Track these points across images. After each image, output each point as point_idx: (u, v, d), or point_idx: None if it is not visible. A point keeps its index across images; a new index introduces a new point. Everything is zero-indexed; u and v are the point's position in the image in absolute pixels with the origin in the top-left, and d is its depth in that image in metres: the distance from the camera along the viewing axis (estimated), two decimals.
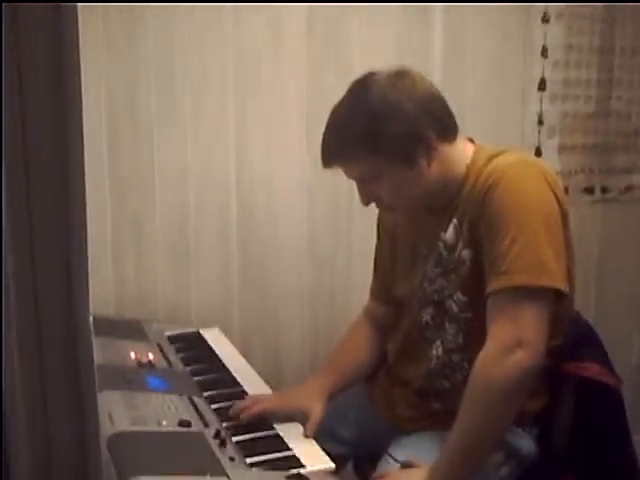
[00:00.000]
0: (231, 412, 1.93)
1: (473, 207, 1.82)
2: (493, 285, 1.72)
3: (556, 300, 1.75)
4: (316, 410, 1.99)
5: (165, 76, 2.55)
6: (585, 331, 2.10)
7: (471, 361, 1.76)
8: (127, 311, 2.60)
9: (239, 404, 1.96)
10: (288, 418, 1.97)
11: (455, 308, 1.91)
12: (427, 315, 1.99)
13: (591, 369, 1.98)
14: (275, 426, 1.92)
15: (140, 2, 2.47)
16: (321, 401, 2.04)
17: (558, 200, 1.79)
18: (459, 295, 1.89)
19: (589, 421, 1.98)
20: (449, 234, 1.89)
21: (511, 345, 1.67)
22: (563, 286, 1.73)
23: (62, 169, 1.11)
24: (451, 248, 1.89)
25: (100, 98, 2.46)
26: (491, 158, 1.87)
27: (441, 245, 1.92)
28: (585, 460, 1.99)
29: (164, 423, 1.77)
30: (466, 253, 1.85)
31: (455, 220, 1.88)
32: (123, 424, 1.72)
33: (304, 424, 1.95)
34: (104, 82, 2.46)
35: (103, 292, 2.57)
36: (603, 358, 2.04)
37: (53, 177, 1.11)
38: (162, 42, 2.52)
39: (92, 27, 2.38)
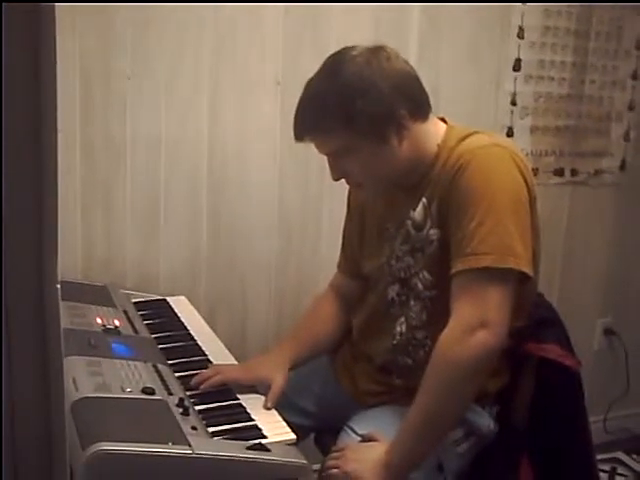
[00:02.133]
0: (193, 382, 1.94)
1: (442, 187, 1.84)
2: (458, 266, 1.74)
3: (520, 282, 1.77)
4: (277, 381, 2.01)
5: (140, 43, 2.53)
6: (548, 313, 2.12)
7: (434, 339, 1.78)
8: (94, 276, 2.59)
9: (201, 373, 1.98)
10: (251, 388, 1.99)
11: (420, 286, 1.93)
12: (393, 292, 2.01)
13: (552, 350, 2.01)
14: (238, 396, 1.94)
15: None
16: (283, 372, 2.06)
17: (527, 184, 1.80)
18: (425, 273, 1.91)
19: (548, 402, 2.01)
20: (417, 213, 1.91)
21: (474, 325, 1.70)
22: (528, 269, 1.75)
23: (34, 132, 1.10)
24: (419, 227, 1.91)
25: (74, 62, 2.44)
26: (462, 139, 1.88)
27: (409, 223, 1.93)
28: (542, 439, 2.02)
29: (128, 390, 1.77)
30: (433, 232, 1.87)
31: (424, 199, 1.89)
32: (87, 390, 1.72)
33: (266, 394, 1.96)
34: (78, 46, 2.44)
35: (71, 256, 2.56)
36: (564, 340, 2.07)
37: (25, 141, 1.10)
38: (139, 11, 2.50)
39: None
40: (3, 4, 1.00)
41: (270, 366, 2.07)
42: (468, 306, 1.72)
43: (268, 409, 1.91)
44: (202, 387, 1.93)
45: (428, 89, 1.91)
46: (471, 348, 1.70)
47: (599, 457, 2.42)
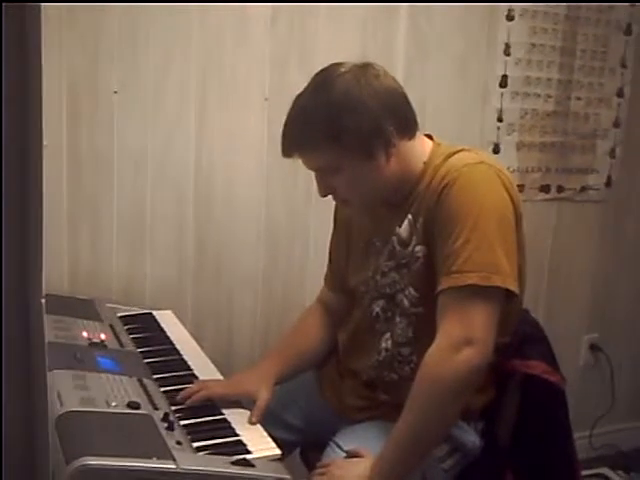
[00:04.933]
0: (179, 397, 1.93)
1: (428, 204, 1.84)
2: (444, 284, 1.75)
3: (506, 300, 1.77)
4: (262, 395, 2.00)
5: (127, 59, 2.53)
6: (533, 329, 2.13)
7: (420, 355, 1.78)
8: (80, 289, 2.58)
9: (187, 389, 1.97)
10: (236, 403, 1.99)
11: (406, 302, 1.93)
12: (377, 307, 2.02)
13: (537, 367, 2.02)
14: (223, 411, 1.93)
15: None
16: (268, 386, 2.05)
17: (513, 202, 1.81)
18: (410, 290, 1.91)
19: (532, 418, 2.02)
20: (403, 229, 1.91)
21: (460, 343, 1.70)
22: (513, 286, 1.75)
23: (21, 146, 1.11)
24: (405, 243, 1.91)
25: (61, 77, 2.44)
26: (448, 156, 1.89)
27: (395, 239, 1.94)
28: (527, 456, 2.03)
29: (113, 404, 1.76)
30: (419, 249, 1.87)
31: (410, 216, 1.90)
32: (72, 404, 1.72)
33: (251, 409, 1.96)
34: (65, 60, 2.44)
35: (57, 269, 2.55)
36: (549, 357, 2.07)
37: (11, 154, 1.11)
38: (126, 24, 2.50)
39: (55, 6, 2.35)
40: None
41: (255, 381, 2.07)
42: (454, 324, 1.72)
43: (253, 424, 1.90)
44: (187, 402, 1.92)
45: (415, 105, 1.92)
46: (457, 365, 1.70)
47: (585, 473, 2.43)
